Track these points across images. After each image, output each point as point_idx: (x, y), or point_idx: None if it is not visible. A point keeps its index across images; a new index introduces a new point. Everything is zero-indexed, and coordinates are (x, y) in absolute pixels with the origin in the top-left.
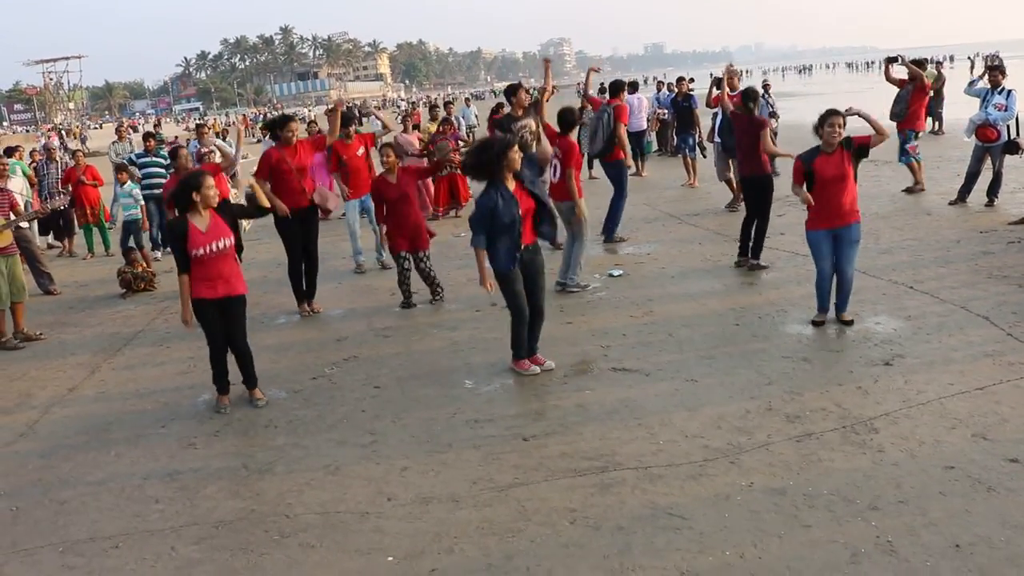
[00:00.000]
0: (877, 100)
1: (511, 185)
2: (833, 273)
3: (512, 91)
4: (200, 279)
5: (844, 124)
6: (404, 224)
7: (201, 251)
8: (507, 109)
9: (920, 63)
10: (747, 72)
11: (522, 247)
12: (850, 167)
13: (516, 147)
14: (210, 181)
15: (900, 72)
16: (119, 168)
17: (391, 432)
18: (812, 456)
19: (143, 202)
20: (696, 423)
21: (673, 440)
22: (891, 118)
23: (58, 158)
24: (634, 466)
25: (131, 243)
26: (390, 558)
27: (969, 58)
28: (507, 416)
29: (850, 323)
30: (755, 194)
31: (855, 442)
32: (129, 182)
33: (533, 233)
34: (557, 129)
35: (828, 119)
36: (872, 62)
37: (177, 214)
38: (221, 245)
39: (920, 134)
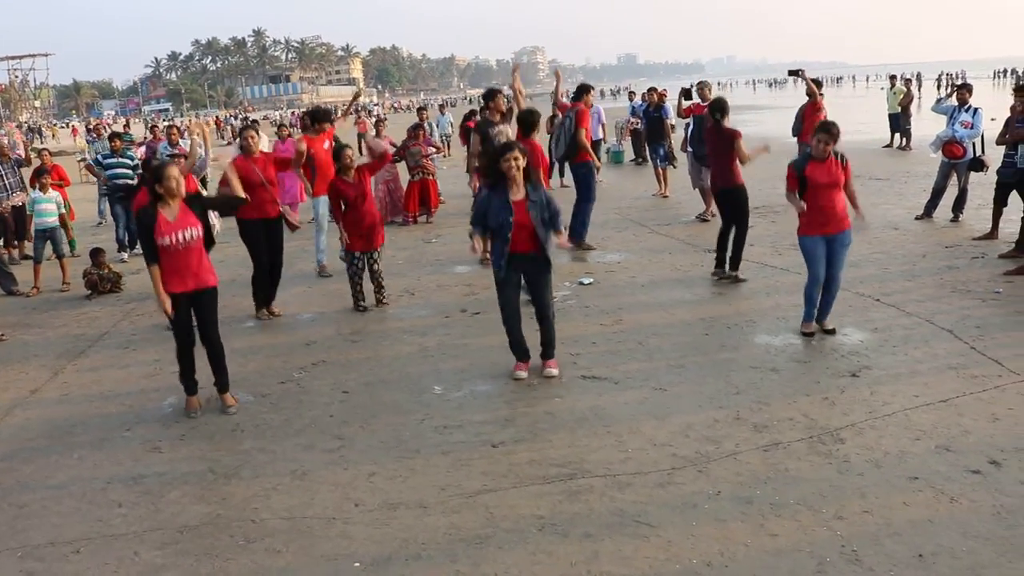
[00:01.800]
0: (845, 113)
1: (514, 194)
2: (823, 279)
3: (490, 96)
4: (170, 272)
5: (835, 141)
6: (361, 223)
7: (167, 240)
8: (478, 117)
9: (818, 82)
10: (719, 84)
11: (516, 254)
12: (842, 175)
13: (514, 156)
14: (173, 171)
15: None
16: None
17: (359, 437)
18: (779, 465)
19: (63, 210)
20: (664, 431)
21: (642, 448)
22: (792, 133)
23: (11, 157)
24: (602, 473)
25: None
26: (357, 564)
27: (938, 77)
28: (476, 422)
29: (832, 332)
30: (729, 206)
31: (821, 452)
32: (51, 190)
33: (533, 243)
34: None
35: (818, 135)
36: (841, 77)
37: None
38: (188, 235)
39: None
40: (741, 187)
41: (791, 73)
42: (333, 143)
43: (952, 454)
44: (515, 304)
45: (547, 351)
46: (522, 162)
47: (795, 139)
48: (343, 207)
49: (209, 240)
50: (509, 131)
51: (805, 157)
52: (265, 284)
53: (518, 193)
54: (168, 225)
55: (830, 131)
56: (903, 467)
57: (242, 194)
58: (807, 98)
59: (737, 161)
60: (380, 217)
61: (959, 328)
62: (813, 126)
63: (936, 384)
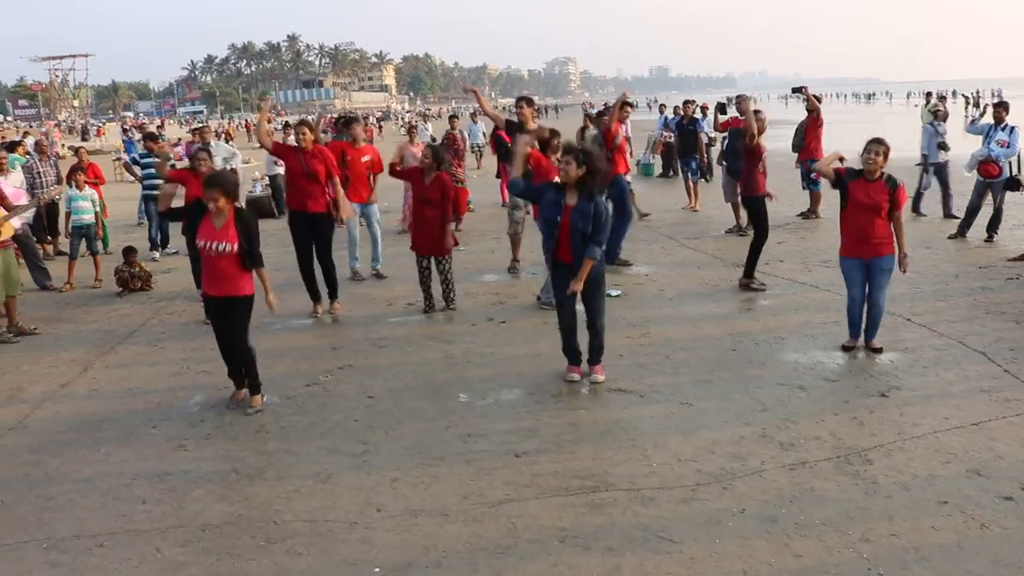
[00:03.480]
0: (878, 130)
1: (569, 197)
2: (864, 301)
3: (528, 101)
4: (205, 275)
5: (885, 155)
6: (422, 226)
7: (203, 243)
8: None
9: (818, 98)
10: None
11: (560, 262)
12: (884, 201)
13: (567, 160)
14: (213, 195)
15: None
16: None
17: (383, 443)
18: (805, 485)
19: (98, 208)
20: (690, 446)
21: (666, 463)
22: (792, 149)
23: (51, 155)
24: (626, 487)
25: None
26: (377, 570)
27: (964, 95)
28: (500, 432)
29: (879, 351)
30: (750, 213)
31: (849, 472)
32: (87, 188)
33: (569, 253)
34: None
35: (868, 146)
36: (873, 94)
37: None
38: (221, 248)
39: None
40: (759, 198)
41: (795, 90)
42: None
43: (983, 479)
44: (568, 311)
45: (593, 356)
46: (574, 169)
47: (795, 154)
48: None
49: (252, 261)
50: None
51: (857, 171)
52: (310, 279)
53: (572, 198)
54: (210, 232)
55: (881, 142)
56: (932, 490)
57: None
58: (807, 113)
59: (761, 172)
60: (446, 231)
61: (992, 350)
62: (813, 142)
63: (968, 407)
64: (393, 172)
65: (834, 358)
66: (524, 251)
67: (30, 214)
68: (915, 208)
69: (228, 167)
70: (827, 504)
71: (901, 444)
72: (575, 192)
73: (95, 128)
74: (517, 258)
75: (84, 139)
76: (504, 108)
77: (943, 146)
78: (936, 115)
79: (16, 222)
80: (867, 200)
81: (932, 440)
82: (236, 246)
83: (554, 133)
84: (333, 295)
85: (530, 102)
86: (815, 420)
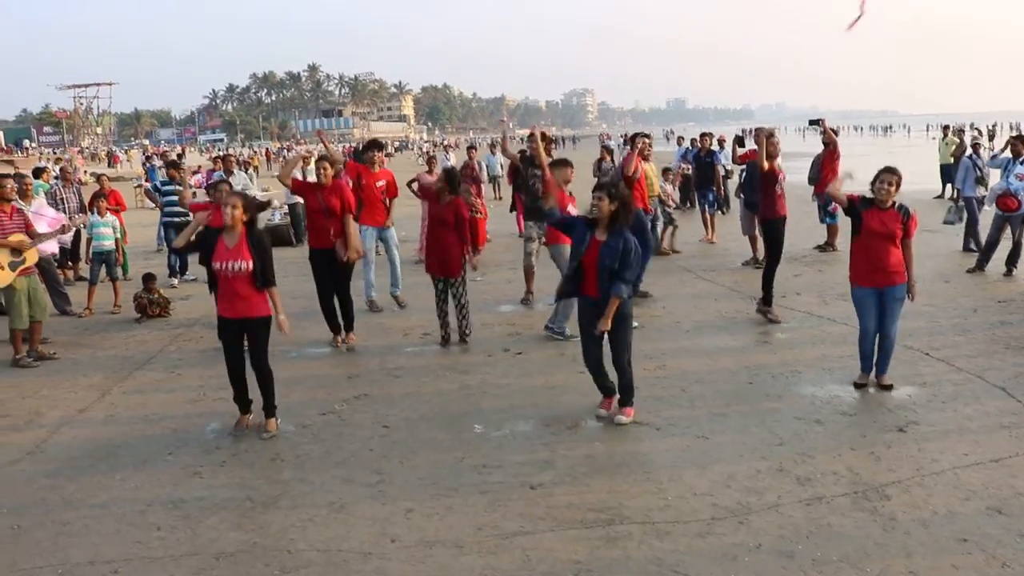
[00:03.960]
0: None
1: (599, 233)
2: (876, 332)
3: (541, 135)
4: (221, 297)
5: (898, 184)
6: (435, 246)
7: (218, 265)
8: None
9: (835, 131)
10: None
11: (586, 297)
12: (898, 230)
13: (599, 196)
14: (232, 201)
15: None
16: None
17: (398, 473)
18: (822, 520)
19: (119, 234)
20: (706, 480)
21: (682, 496)
22: (808, 182)
23: (74, 182)
24: (641, 520)
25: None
26: None
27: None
28: (515, 463)
29: (889, 388)
30: (766, 236)
31: (866, 508)
32: (108, 214)
33: (598, 289)
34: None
35: (881, 175)
36: (891, 127)
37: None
38: (237, 267)
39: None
40: (778, 219)
41: (812, 123)
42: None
43: (1004, 517)
44: (594, 353)
45: (623, 398)
46: (607, 205)
47: (811, 186)
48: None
49: (266, 280)
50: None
51: (870, 200)
52: (329, 312)
53: (602, 234)
54: (224, 252)
55: (894, 171)
56: (952, 527)
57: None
58: (823, 146)
59: (780, 195)
60: (462, 252)
61: (1012, 385)
62: (830, 175)
63: (987, 443)
64: (410, 185)
65: (851, 392)
66: (538, 282)
67: (68, 237)
68: (969, 247)
69: None
70: (844, 540)
71: (920, 480)
72: (605, 228)
73: (113, 155)
74: (531, 290)
75: (111, 166)
76: (522, 139)
77: (981, 180)
78: (975, 149)
79: (49, 246)
80: (881, 228)
81: (951, 476)
82: (251, 264)
83: (565, 163)
84: (349, 327)
85: (543, 136)
86: (832, 455)
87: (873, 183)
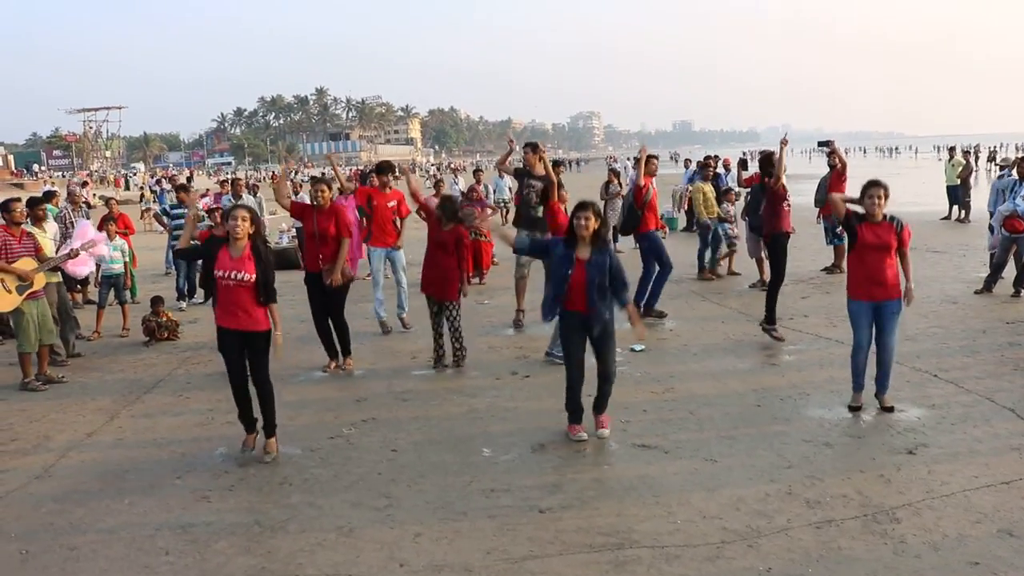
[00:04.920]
0: (903, 184)
1: (581, 252)
2: (871, 346)
3: (534, 147)
4: (221, 307)
5: (886, 197)
6: (432, 269)
7: (221, 273)
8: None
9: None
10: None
11: (572, 312)
12: (893, 240)
13: (587, 216)
14: (241, 214)
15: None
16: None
17: (406, 497)
18: (832, 544)
19: (127, 258)
20: (714, 504)
21: (691, 520)
22: (815, 204)
23: (83, 205)
24: (650, 544)
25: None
26: None
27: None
28: (524, 487)
29: (890, 410)
30: (771, 252)
31: (876, 531)
32: (117, 238)
33: (587, 306)
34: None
35: (868, 189)
36: (896, 148)
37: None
38: (240, 276)
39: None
40: (782, 234)
41: (821, 144)
42: (402, 214)
43: (1016, 540)
44: (578, 365)
45: (601, 404)
46: (593, 223)
47: (817, 209)
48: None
49: (267, 295)
50: (540, 185)
51: (862, 215)
52: (326, 333)
53: (584, 252)
54: (228, 261)
55: (881, 184)
56: (963, 551)
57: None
58: (829, 168)
59: (785, 209)
60: (458, 277)
61: (1021, 407)
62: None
63: (997, 465)
64: (419, 213)
65: (860, 414)
66: (534, 297)
67: (92, 263)
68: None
69: None
70: (854, 564)
71: (930, 503)
72: (588, 246)
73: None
74: (521, 307)
75: (127, 188)
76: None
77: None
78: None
79: (80, 269)
80: (875, 240)
81: (962, 499)
82: (254, 276)
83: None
84: (346, 352)
85: (535, 148)
86: (841, 477)
87: (862, 199)
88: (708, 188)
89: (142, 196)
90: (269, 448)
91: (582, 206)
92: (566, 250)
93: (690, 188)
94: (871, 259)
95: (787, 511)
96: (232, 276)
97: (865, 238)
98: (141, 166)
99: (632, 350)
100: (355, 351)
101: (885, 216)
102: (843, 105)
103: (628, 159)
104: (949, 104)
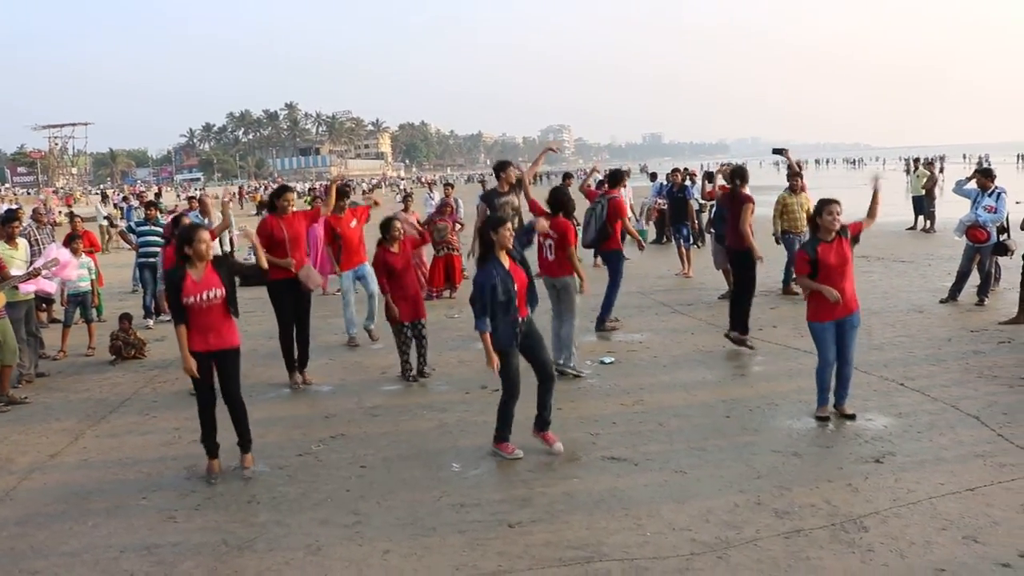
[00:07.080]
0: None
1: (506, 262)
2: (835, 362)
3: (501, 167)
4: (193, 331)
5: (841, 211)
6: (407, 294)
7: (192, 299)
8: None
9: (798, 163)
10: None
11: (520, 321)
12: (849, 253)
13: (507, 225)
14: (204, 235)
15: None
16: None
17: (375, 513)
18: (801, 553)
19: (94, 276)
20: (684, 515)
21: (660, 532)
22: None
23: (47, 223)
24: (620, 557)
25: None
26: None
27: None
28: (493, 501)
29: (852, 417)
30: (736, 267)
31: (844, 540)
32: (83, 255)
33: (526, 307)
34: (547, 209)
35: (827, 206)
36: (860, 159)
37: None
38: (211, 295)
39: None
40: (747, 251)
41: (776, 151)
42: (363, 220)
43: (980, 546)
44: (520, 375)
45: (545, 415)
46: (509, 234)
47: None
48: (388, 277)
49: (234, 308)
50: (515, 201)
51: (814, 240)
52: (291, 347)
53: (506, 260)
54: (194, 285)
55: (834, 200)
56: (929, 557)
57: (265, 264)
58: (787, 180)
59: (747, 226)
60: (418, 287)
61: (985, 415)
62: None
63: (962, 472)
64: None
65: (827, 424)
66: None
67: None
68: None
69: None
70: (823, 573)
71: (896, 511)
72: (507, 253)
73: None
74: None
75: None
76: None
77: None
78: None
79: (50, 287)
80: (838, 260)
81: (928, 506)
82: (223, 291)
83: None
84: (304, 364)
85: (503, 166)
86: (810, 487)
87: (820, 216)
88: (795, 200)
89: (106, 218)
90: (246, 463)
91: (499, 221)
92: (495, 269)
93: (658, 202)
94: (835, 278)
95: (756, 522)
96: (205, 297)
97: (828, 261)
98: (97, 188)
99: (602, 362)
100: (324, 367)
101: (836, 231)
102: (811, 118)
103: (584, 171)
104: (914, 117)
